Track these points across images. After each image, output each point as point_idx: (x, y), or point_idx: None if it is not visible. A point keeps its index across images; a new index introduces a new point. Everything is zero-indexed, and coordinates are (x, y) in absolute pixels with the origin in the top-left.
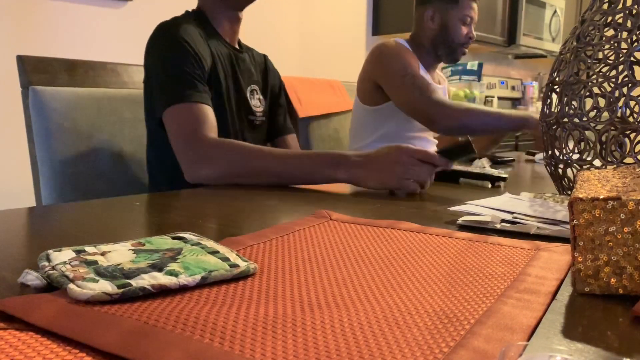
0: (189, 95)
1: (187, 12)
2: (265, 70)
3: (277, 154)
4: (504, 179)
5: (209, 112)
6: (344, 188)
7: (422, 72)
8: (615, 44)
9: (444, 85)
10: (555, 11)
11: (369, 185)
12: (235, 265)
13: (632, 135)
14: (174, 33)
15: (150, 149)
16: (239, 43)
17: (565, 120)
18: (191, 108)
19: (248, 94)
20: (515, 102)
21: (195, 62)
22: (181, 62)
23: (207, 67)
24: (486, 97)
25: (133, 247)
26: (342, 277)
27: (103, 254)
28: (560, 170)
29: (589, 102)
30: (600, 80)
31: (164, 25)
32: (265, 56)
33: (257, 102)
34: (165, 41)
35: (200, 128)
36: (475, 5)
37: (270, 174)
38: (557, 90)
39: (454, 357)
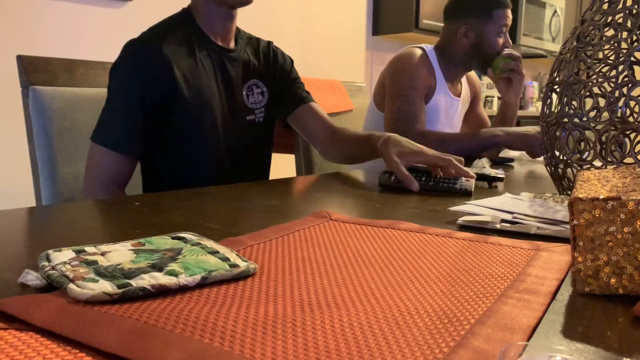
0: (112, 141)
1: (174, 15)
2: (270, 56)
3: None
4: (501, 179)
5: (117, 164)
6: (343, 189)
7: (441, 85)
8: (615, 44)
9: (461, 98)
10: (555, 11)
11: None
12: (235, 265)
13: (632, 135)
14: (131, 65)
15: (142, 160)
16: (236, 39)
17: (565, 120)
18: (105, 155)
19: (245, 92)
20: None
21: (135, 100)
22: (124, 102)
23: (165, 91)
24: (486, 97)
25: (133, 247)
26: (342, 277)
27: (103, 254)
28: (560, 170)
29: (589, 102)
30: (600, 80)
31: (127, 48)
32: (269, 43)
33: (257, 97)
34: (116, 72)
35: (103, 182)
36: (508, 12)
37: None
38: (557, 90)
39: (454, 357)
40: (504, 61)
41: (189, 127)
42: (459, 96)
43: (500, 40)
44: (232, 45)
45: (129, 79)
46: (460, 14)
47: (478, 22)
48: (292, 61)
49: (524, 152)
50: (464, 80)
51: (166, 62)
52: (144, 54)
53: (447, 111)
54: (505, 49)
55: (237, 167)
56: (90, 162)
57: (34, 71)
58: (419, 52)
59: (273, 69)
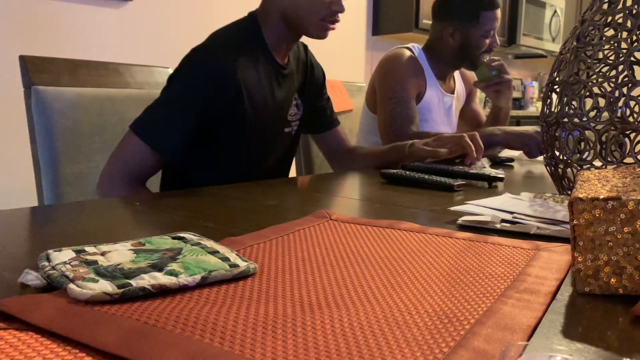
0: (156, 141)
1: (241, 22)
2: (307, 66)
3: None
4: (500, 179)
5: (149, 161)
6: (343, 188)
7: (431, 83)
8: (615, 44)
9: (455, 94)
10: (555, 11)
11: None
12: (235, 265)
13: (632, 135)
14: (199, 73)
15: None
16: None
17: (565, 120)
18: (140, 148)
19: (285, 105)
20: (515, 102)
21: (195, 108)
22: (182, 108)
23: (228, 103)
24: (486, 97)
25: (133, 247)
26: (342, 277)
27: (103, 254)
28: (560, 170)
29: (589, 102)
30: (600, 80)
31: (195, 54)
32: (306, 48)
33: (294, 110)
34: (181, 77)
35: (128, 173)
36: (497, 13)
37: None
38: (557, 90)
39: (454, 357)
40: (488, 75)
41: (236, 139)
42: (453, 92)
43: (487, 42)
44: (286, 61)
45: (193, 87)
46: (446, 14)
47: (464, 25)
48: (324, 76)
49: (523, 152)
50: (457, 76)
51: (234, 76)
52: (213, 64)
53: (441, 108)
54: (487, 55)
55: (263, 176)
56: (123, 148)
57: (37, 71)
58: (406, 52)
59: (309, 82)
